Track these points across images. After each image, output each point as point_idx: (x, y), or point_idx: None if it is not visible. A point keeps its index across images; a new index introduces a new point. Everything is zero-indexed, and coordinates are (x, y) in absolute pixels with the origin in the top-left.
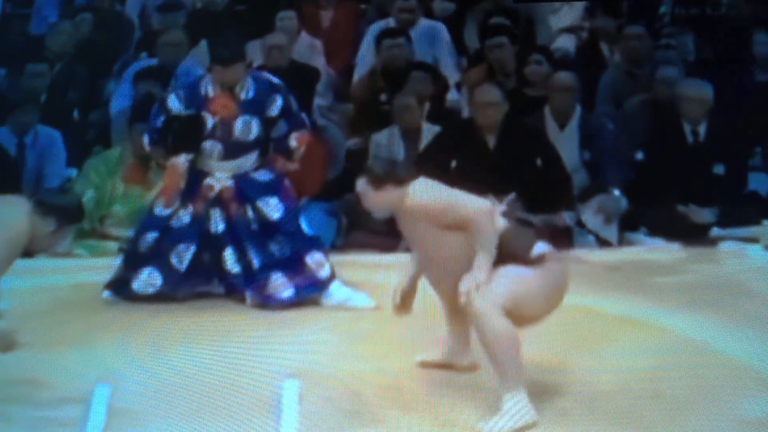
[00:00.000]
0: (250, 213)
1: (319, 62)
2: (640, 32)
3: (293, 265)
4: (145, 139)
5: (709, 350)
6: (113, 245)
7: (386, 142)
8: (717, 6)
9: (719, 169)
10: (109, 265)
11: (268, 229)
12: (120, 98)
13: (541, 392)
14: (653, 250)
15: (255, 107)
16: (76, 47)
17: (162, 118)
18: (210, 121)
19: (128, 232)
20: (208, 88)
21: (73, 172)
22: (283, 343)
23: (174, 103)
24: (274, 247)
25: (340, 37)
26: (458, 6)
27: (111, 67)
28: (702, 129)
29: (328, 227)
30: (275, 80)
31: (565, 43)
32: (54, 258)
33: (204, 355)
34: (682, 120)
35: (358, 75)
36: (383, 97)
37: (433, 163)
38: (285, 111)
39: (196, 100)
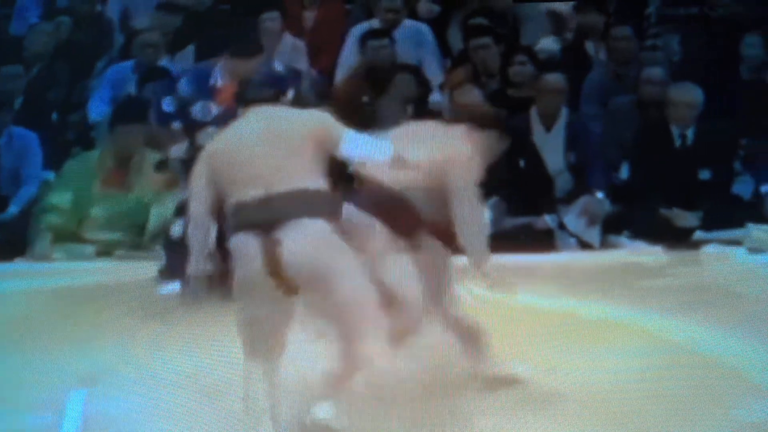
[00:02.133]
0: None
1: (303, 63)
2: (627, 34)
3: None
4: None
5: (695, 353)
6: (91, 248)
7: None
8: (704, 6)
9: (705, 174)
10: (88, 269)
11: None
12: (99, 100)
13: (533, 395)
14: (635, 254)
15: None
16: (56, 48)
17: (169, 100)
18: (215, 109)
19: (107, 235)
20: (218, 78)
21: (50, 175)
22: None
23: (183, 88)
24: None
25: (324, 38)
26: (443, 7)
27: (91, 69)
28: (690, 133)
29: None
30: (282, 72)
31: (549, 44)
32: (33, 262)
33: (188, 360)
34: (671, 123)
35: (340, 76)
36: (366, 98)
37: None
38: None
39: (204, 88)
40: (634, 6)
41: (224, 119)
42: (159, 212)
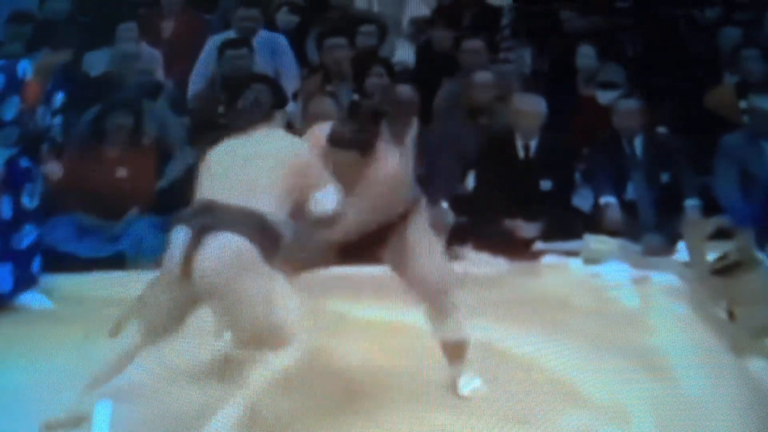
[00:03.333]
0: None
1: (159, 74)
2: (477, 47)
3: None
4: None
5: (530, 365)
6: None
7: None
8: (552, 19)
9: (546, 185)
10: None
11: None
12: None
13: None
14: (478, 265)
15: None
16: None
17: None
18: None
19: None
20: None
21: None
22: None
23: None
24: None
25: (182, 48)
26: (302, 18)
27: None
28: (533, 144)
29: (156, 242)
30: None
31: (405, 55)
32: None
33: None
34: (516, 135)
35: (194, 87)
36: (221, 109)
37: None
38: None
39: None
40: (489, 19)
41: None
42: None
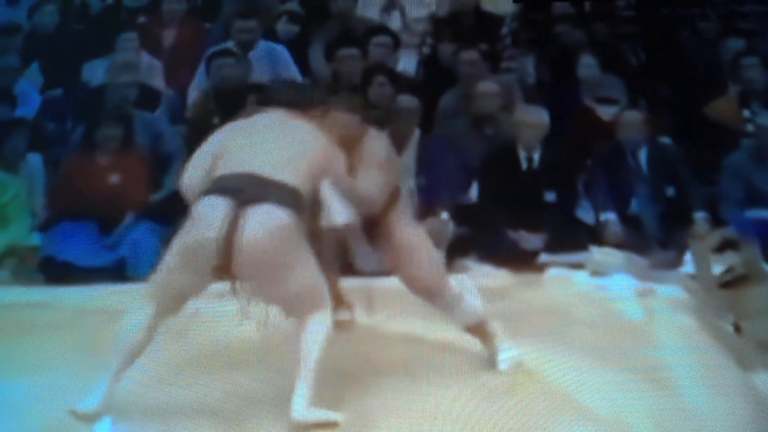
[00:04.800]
0: None
1: (159, 83)
2: (474, 58)
3: None
4: None
5: (533, 377)
6: None
7: None
8: (551, 28)
9: (551, 196)
10: None
11: None
12: None
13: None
14: (481, 276)
15: None
16: None
17: None
18: None
19: None
20: None
21: None
22: None
23: None
24: None
25: (182, 57)
26: (302, 28)
27: None
28: (536, 155)
29: (152, 250)
30: None
31: (408, 65)
32: None
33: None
34: (518, 146)
35: (191, 97)
36: (216, 120)
37: None
38: None
39: None
40: (488, 28)
41: None
42: None
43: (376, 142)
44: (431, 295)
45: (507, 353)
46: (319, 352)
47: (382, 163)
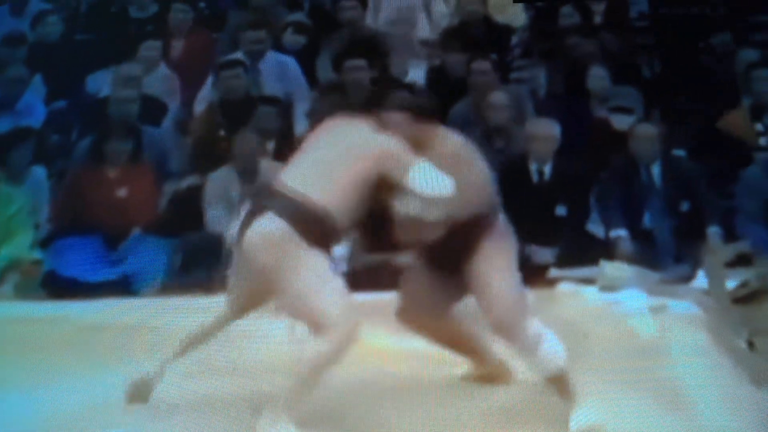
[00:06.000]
0: None
1: (175, 95)
2: (486, 68)
3: None
4: None
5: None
6: None
7: (221, 183)
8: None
9: (562, 210)
10: None
11: None
12: None
13: None
14: None
15: None
16: None
17: None
18: None
19: None
20: None
21: None
22: None
23: None
24: None
25: (192, 68)
26: (310, 38)
27: None
28: (547, 168)
29: (158, 266)
30: None
31: (417, 75)
32: None
33: None
34: (529, 159)
35: (199, 109)
36: (222, 132)
37: None
38: None
39: None
40: (498, 38)
41: None
42: None
43: (451, 139)
44: (506, 333)
45: (584, 416)
46: (306, 371)
47: (458, 159)
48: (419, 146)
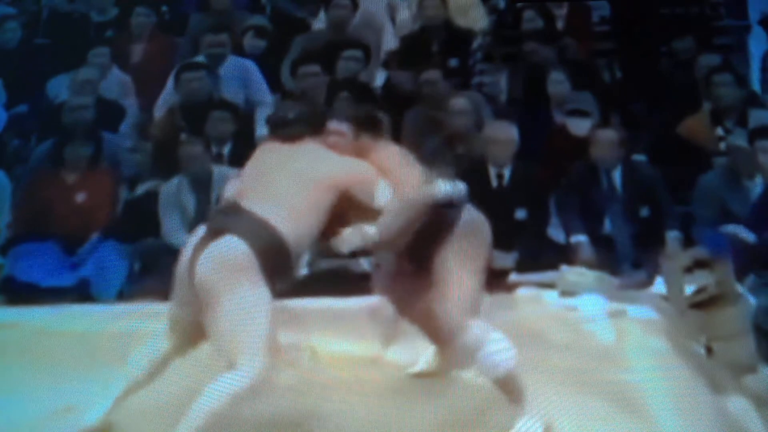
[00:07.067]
0: None
1: (130, 98)
2: (435, 77)
3: None
4: None
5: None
6: None
7: (173, 191)
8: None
9: (521, 214)
10: None
11: None
12: None
13: None
14: None
15: None
16: None
17: None
18: None
19: None
20: None
21: None
22: None
23: None
24: None
25: (151, 72)
26: (271, 42)
27: None
28: (507, 172)
29: (117, 271)
30: None
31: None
32: None
33: None
34: (488, 162)
35: (157, 113)
36: (183, 136)
37: None
38: None
39: None
40: (459, 43)
41: None
42: None
43: (389, 150)
44: (447, 335)
45: (529, 426)
46: (216, 406)
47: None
48: (359, 156)
